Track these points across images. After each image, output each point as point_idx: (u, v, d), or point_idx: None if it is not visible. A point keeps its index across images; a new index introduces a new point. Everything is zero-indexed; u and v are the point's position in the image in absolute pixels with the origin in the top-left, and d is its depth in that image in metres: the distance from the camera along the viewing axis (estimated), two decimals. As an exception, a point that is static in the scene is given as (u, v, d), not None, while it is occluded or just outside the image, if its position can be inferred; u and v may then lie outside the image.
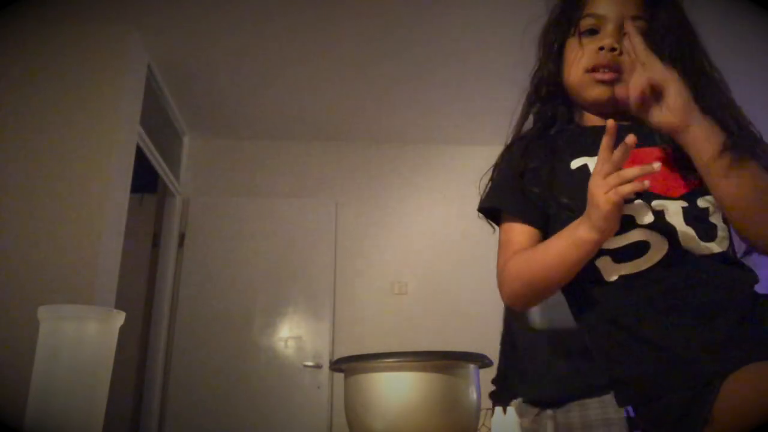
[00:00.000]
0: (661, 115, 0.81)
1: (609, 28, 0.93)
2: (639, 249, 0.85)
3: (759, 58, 2.76)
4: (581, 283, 0.91)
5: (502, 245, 0.98)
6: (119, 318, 0.69)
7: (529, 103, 1.03)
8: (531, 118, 1.04)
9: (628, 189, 0.75)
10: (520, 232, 0.96)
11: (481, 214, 1.02)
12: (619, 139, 0.95)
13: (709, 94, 0.90)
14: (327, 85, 3.10)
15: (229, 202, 3.40)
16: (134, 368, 3.09)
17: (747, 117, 0.91)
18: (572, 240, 0.83)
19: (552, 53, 1.00)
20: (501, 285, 0.96)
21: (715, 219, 0.88)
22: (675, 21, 0.94)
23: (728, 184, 0.79)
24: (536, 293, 0.92)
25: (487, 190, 1.01)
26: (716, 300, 0.81)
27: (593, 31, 0.95)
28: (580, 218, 0.82)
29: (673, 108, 0.80)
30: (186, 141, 3.55)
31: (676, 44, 0.92)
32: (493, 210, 1.00)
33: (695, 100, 0.88)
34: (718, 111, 0.88)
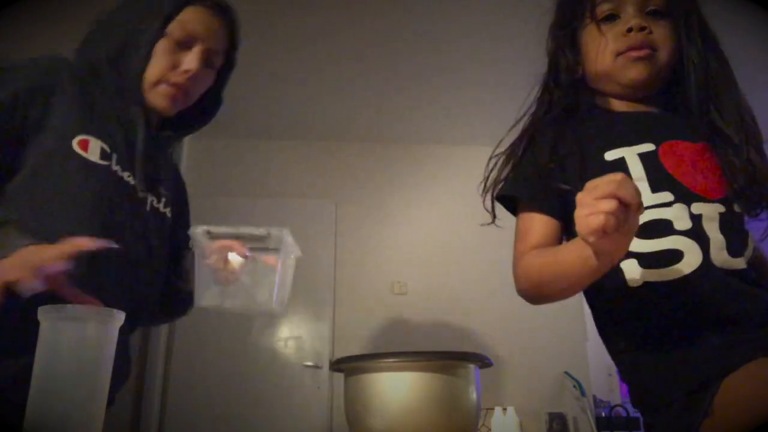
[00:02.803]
0: None
1: (630, 10, 0.90)
2: (671, 257, 0.82)
3: (759, 58, 2.76)
4: (603, 285, 0.85)
5: (520, 235, 0.93)
6: (119, 318, 0.69)
7: (547, 91, 0.98)
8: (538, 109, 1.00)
9: (603, 221, 0.62)
10: (539, 222, 0.91)
11: (495, 202, 0.98)
12: (647, 125, 0.93)
13: (720, 75, 0.90)
14: (327, 85, 3.10)
15: (229, 202, 3.40)
16: (134, 368, 3.09)
17: (748, 104, 0.91)
18: (579, 254, 0.75)
19: (567, 44, 0.97)
20: (514, 278, 0.93)
21: (748, 226, 0.86)
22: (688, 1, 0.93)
23: None
24: (546, 296, 0.87)
25: (508, 178, 0.95)
26: (732, 317, 0.81)
27: (612, 17, 0.92)
28: None
29: None
30: (186, 141, 3.55)
31: (692, 23, 0.91)
32: (512, 198, 0.96)
33: (707, 79, 0.87)
34: (725, 94, 0.88)
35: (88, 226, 0.84)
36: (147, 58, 0.93)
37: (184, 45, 0.95)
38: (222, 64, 1.04)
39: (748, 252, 0.83)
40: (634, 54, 0.89)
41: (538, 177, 0.91)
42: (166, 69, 0.94)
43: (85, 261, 0.77)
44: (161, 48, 0.94)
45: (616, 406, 3.00)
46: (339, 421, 3.04)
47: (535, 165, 0.92)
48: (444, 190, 3.59)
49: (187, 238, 1.12)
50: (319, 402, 3.08)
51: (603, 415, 3.04)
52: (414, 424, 0.82)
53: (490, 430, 1.89)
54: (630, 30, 0.89)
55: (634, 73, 0.90)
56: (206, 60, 0.98)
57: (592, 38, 0.93)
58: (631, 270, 0.84)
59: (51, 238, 0.77)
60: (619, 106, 0.96)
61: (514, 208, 0.97)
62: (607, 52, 0.91)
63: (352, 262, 3.43)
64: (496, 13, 2.51)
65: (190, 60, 0.95)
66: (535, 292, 0.88)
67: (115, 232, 0.87)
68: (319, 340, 3.23)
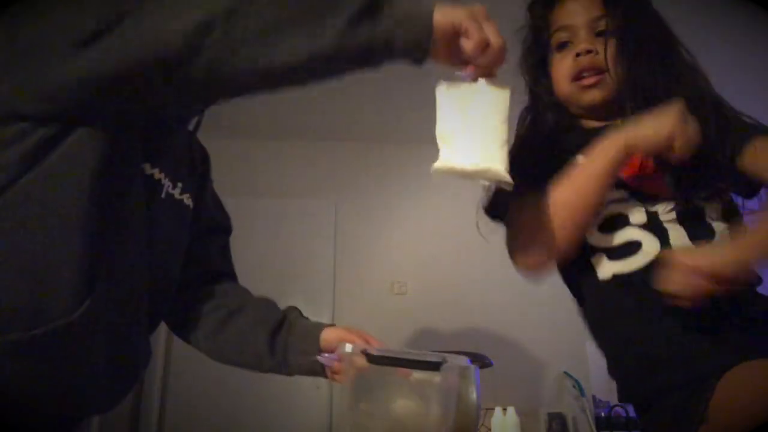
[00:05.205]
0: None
1: (581, 34, 0.96)
2: (631, 248, 0.86)
3: (759, 57, 2.77)
4: (580, 281, 0.92)
5: (513, 219, 0.95)
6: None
7: (530, 113, 1.04)
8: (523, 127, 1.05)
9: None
10: (530, 198, 0.92)
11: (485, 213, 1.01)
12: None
13: (683, 78, 0.92)
14: (327, 85, 3.09)
15: (229, 202, 3.39)
16: (134, 368, 3.09)
17: (723, 99, 0.93)
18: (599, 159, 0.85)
19: (538, 74, 1.02)
20: (515, 254, 0.93)
21: (713, 219, 0.88)
22: (639, 11, 0.96)
23: None
24: (577, 226, 0.88)
25: (494, 197, 1.00)
26: (707, 304, 0.81)
27: (567, 43, 0.98)
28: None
29: None
30: (186, 141, 3.55)
31: (645, 34, 0.94)
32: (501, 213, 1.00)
33: (637, 91, 0.90)
34: (693, 96, 0.90)
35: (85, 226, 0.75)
36: None
37: None
38: None
39: (722, 235, 0.86)
40: (585, 82, 0.95)
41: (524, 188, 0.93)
42: None
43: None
44: None
45: (615, 406, 2.99)
46: (338, 422, 3.04)
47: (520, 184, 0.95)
48: (444, 190, 3.59)
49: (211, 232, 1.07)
50: (318, 402, 3.08)
51: (602, 415, 3.04)
52: (414, 424, 0.82)
53: (490, 430, 1.89)
54: (579, 54, 0.94)
55: (588, 98, 0.96)
56: None
57: (553, 65, 1.00)
58: (600, 264, 0.89)
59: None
60: (589, 123, 1.00)
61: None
62: (565, 79, 0.97)
63: (351, 262, 3.43)
64: (496, 14, 2.51)
65: None
66: (566, 225, 0.88)
67: (120, 226, 0.80)
68: (319, 340, 3.22)
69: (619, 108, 0.96)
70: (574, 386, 3.04)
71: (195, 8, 0.68)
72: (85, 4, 0.73)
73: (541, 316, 3.08)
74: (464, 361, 0.79)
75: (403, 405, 0.77)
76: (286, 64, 0.71)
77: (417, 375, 0.78)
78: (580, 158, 0.91)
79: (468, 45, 0.71)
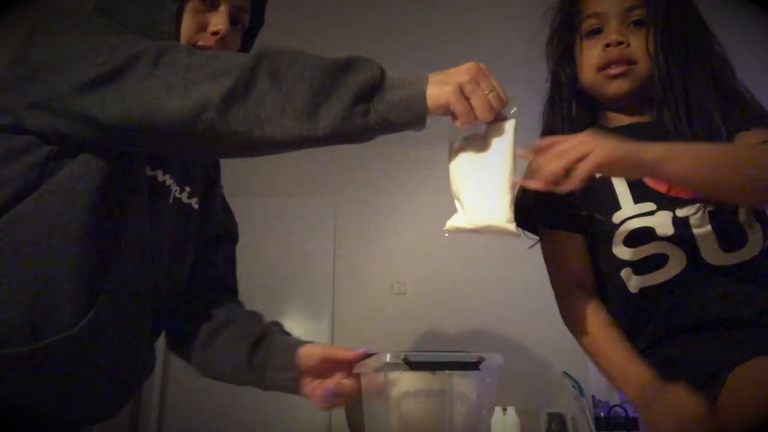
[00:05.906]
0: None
1: (612, 23, 0.93)
2: (657, 261, 0.85)
3: (759, 57, 2.77)
4: (610, 292, 0.91)
5: (553, 258, 0.98)
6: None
7: (552, 107, 1.02)
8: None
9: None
10: (567, 242, 0.95)
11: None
12: (634, 139, 0.95)
13: (679, 80, 0.91)
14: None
15: (229, 202, 3.39)
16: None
17: (747, 92, 0.91)
18: (623, 379, 0.84)
19: (564, 60, 1.00)
20: (559, 303, 0.97)
21: (746, 220, 0.86)
22: (677, 2, 0.94)
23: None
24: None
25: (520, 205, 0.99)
26: (728, 316, 0.81)
27: (598, 30, 0.94)
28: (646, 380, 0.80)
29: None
30: (185, 141, 3.54)
31: (684, 26, 0.92)
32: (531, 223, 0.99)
33: (669, 87, 0.88)
34: (689, 98, 0.89)
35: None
36: (177, 18, 0.83)
37: (209, 4, 0.86)
38: (248, 24, 0.95)
39: (751, 244, 0.84)
40: (612, 72, 0.92)
41: (549, 201, 0.92)
42: (193, 31, 0.85)
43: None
44: (187, 8, 0.85)
45: (615, 406, 2.99)
46: (338, 422, 3.04)
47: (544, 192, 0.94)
48: (444, 190, 3.58)
49: (219, 237, 1.09)
50: (318, 402, 3.08)
51: (602, 415, 3.04)
52: (414, 424, 0.82)
53: (489, 430, 1.89)
54: (608, 45, 0.91)
55: (613, 88, 0.93)
56: (233, 19, 0.89)
57: (581, 53, 0.97)
58: (628, 277, 0.88)
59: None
60: (615, 119, 0.98)
61: (532, 226, 1.00)
62: (591, 68, 0.94)
63: (351, 262, 3.43)
64: (497, 12, 2.51)
65: (219, 20, 0.86)
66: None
67: (126, 231, 0.80)
68: (318, 341, 3.20)
69: (647, 102, 0.95)
70: (573, 386, 3.04)
71: (193, 82, 0.69)
72: (90, 36, 0.75)
73: (540, 316, 3.08)
74: (499, 359, 0.81)
75: (417, 404, 0.79)
76: (281, 144, 0.73)
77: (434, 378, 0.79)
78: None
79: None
